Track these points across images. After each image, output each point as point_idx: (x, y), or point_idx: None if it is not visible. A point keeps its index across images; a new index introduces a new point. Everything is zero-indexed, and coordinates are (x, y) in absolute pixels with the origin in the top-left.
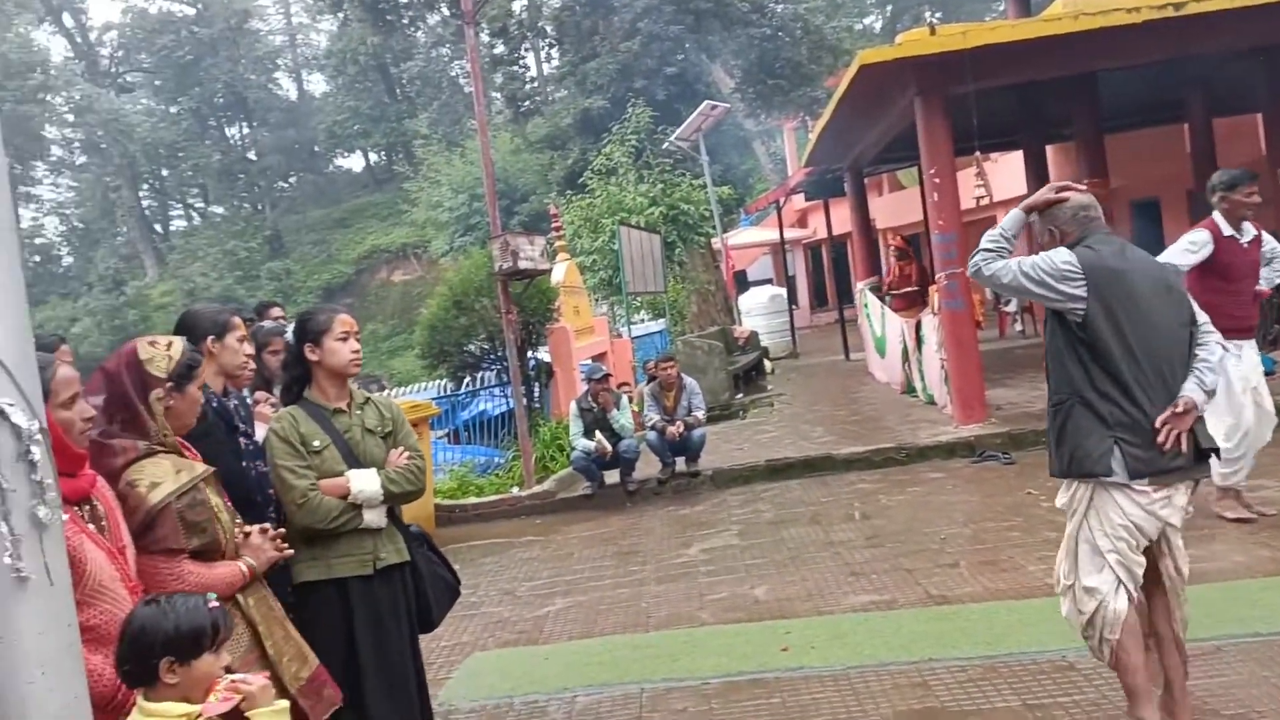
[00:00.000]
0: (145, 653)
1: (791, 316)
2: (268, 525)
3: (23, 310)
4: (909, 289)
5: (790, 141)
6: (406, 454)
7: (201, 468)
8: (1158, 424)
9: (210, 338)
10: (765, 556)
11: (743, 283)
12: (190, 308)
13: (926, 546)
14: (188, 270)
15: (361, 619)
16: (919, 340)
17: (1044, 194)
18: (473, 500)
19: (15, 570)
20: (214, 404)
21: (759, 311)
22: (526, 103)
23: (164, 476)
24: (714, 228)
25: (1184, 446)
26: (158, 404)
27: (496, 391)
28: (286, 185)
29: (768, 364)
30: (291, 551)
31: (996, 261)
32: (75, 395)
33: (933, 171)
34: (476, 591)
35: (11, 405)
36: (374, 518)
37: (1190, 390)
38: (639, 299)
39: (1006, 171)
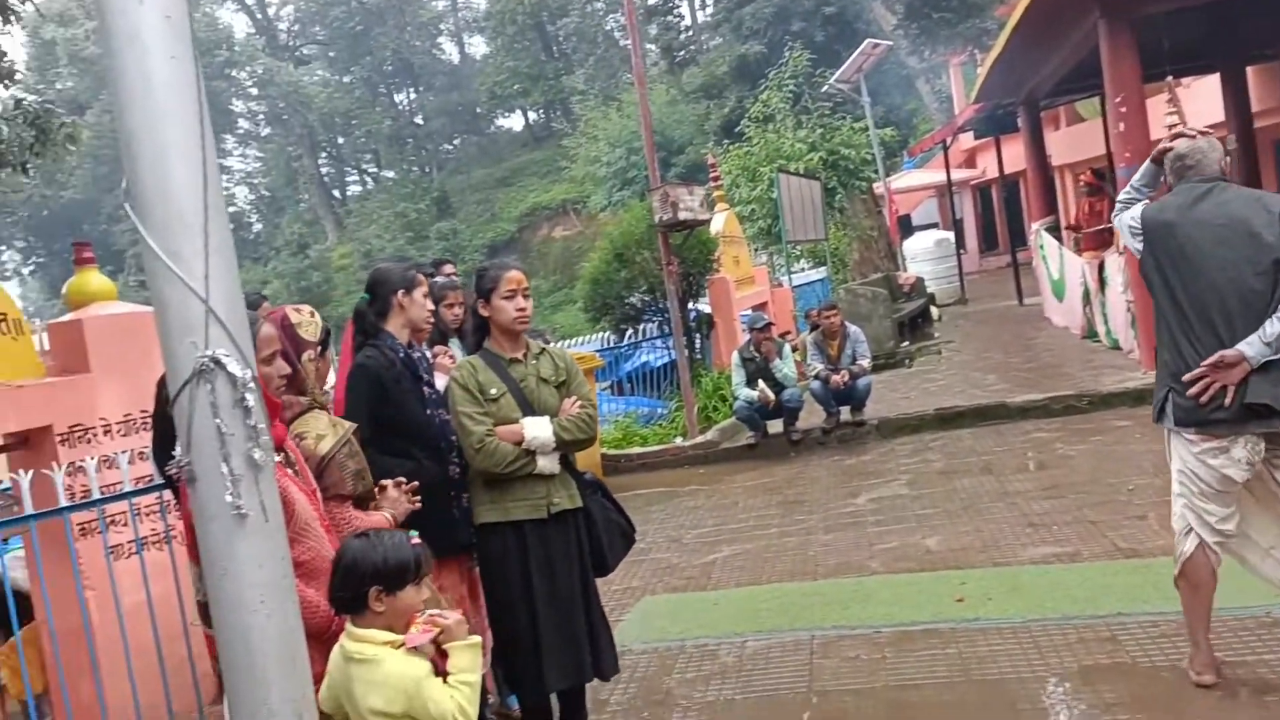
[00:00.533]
0: (356, 581)
1: (959, 261)
2: (401, 479)
3: (234, 271)
4: (1101, 227)
5: (957, 78)
6: (579, 403)
7: (348, 424)
8: (1186, 378)
9: (400, 292)
10: (936, 507)
11: (907, 228)
12: (379, 265)
13: (1112, 498)
14: (364, 233)
15: (536, 561)
16: (1102, 282)
17: (1163, 143)
18: (637, 450)
19: (235, 508)
20: (401, 355)
21: (924, 257)
22: (681, 53)
23: (326, 430)
24: (876, 172)
25: (1228, 400)
26: (309, 364)
27: (658, 343)
28: (451, 147)
29: (934, 311)
30: (419, 503)
31: (1124, 213)
32: (275, 352)
33: (1119, 100)
34: (645, 538)
35: (228, 356)
36: (547, 464)
37: (1244, 344)
38: (799, 247)
39: (1203, 97)
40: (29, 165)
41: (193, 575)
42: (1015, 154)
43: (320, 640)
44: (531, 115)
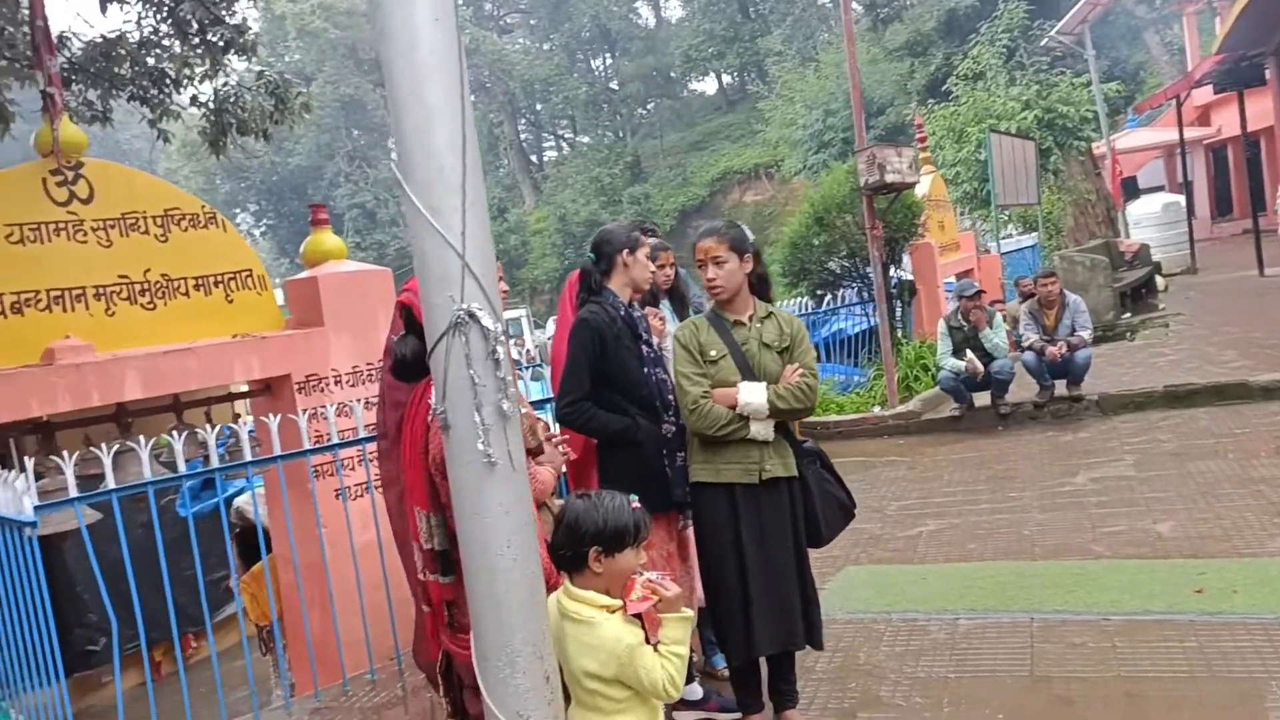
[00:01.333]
0: (577, 541)
1: (1189, 227)
2: (555, 434)
3: (488, 228)
4: None
5: (1191, 28)
6: (800, 370)
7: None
8: None
9: (624, 251)
10: (1169, 490)
11: (1131, 190)
12: (604, 225)
13: None
14: (559, 198)
15: (746, 525)
16: None
17: None
18: (834, 418)
19: (486, 456)
20: (622, 313)
21: (1150, 222)
22: (885, 9)
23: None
24: (1096, 131)
25: None
26: None
27: (857, 310)
28: (645, 112)
29: (1160, 280)
30: (573, 455)
31: None
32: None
33: None
34: None
35: (481, 310)
36: (760, 430)
37: None
38: (1008, 212)
39: None
40: (268, 132)
41: (425, 524)
42: (1261, 109)
43: None
44: (725, 78)
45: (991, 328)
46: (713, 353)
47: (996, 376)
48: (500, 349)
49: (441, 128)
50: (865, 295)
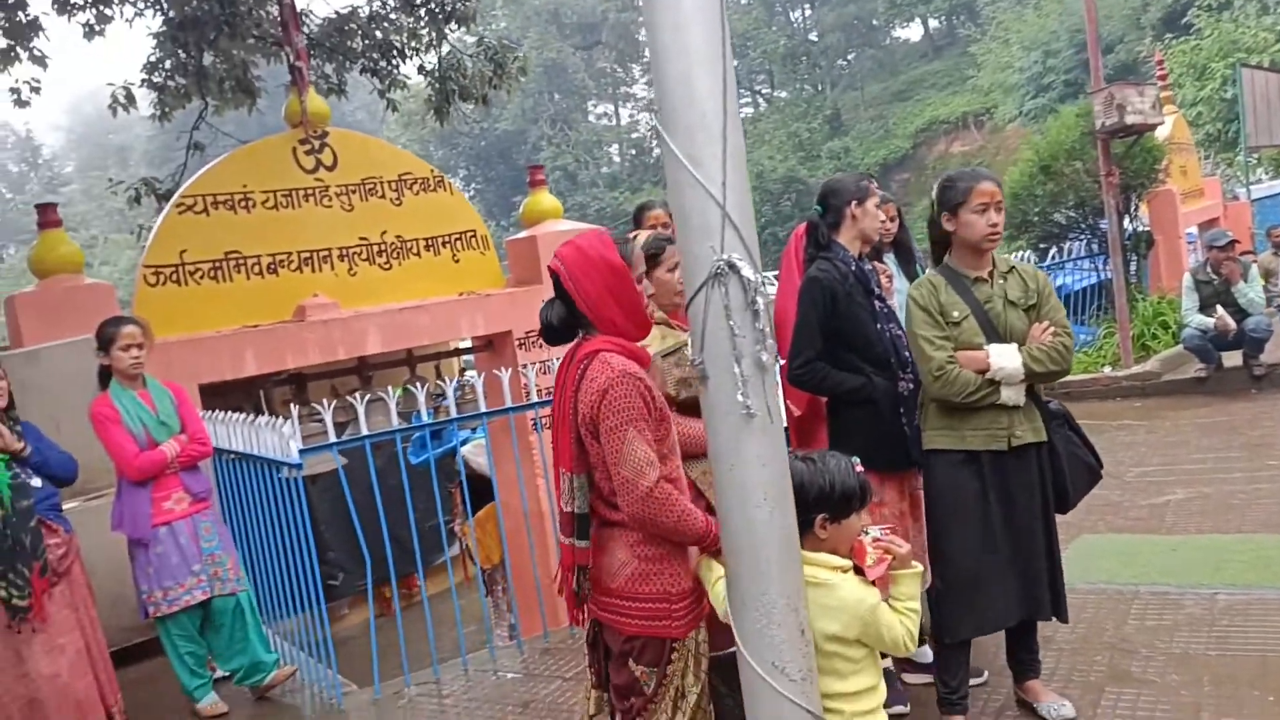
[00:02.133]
0: (803, 506)
1: None
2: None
3: (746, 178)
4: None
5: None
6: (1052, 329)
7: (686, 336)
8: None
9: (853, 202)
10: None
11: None
12: (832, 176)
13: None
14: (755, 154)
15: (993, 494)
16: None
17: None
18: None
19: (745, 408)
20: (853, 268)
21: None
22: None
23: (650, 341)
24: None
25: None
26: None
27: (1085, 264)
28: (845, 63)
29: None
30: None
31: None
32: (643, 272)
33: None
34: None
35: (741, 260)
36: (1012, 395)
37: None
38: (1258, 154)
39: None
40: (487, 97)
41: (567, 486)
42: None
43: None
44: (932, 23)
45: (1246, 281)
46: (955, 314)
47: (1251, 334)
48: (760, 299)
49: (703, 77)
50: (1095, 248)
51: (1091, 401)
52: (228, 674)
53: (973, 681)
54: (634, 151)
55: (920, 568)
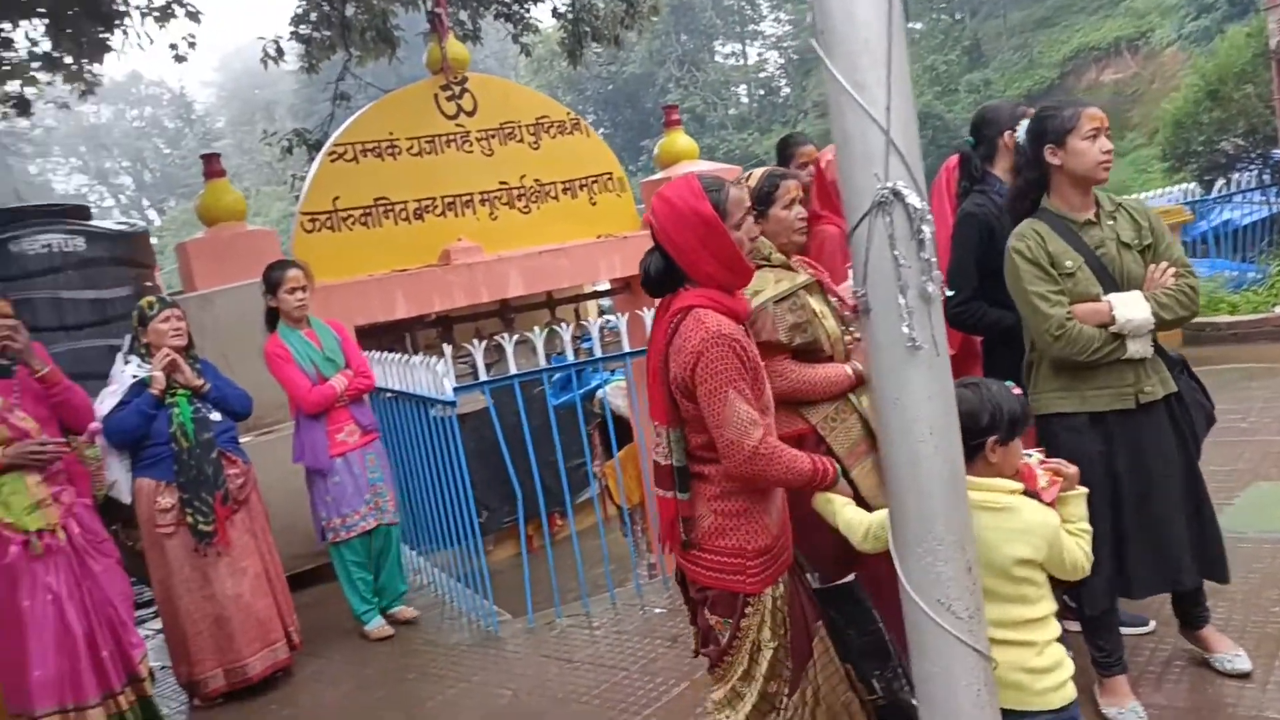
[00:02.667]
0: (975, 431)
1: None
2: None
3: (912, 103)
4: None
5: None
6: (1173, 270)
7: (803, 279)
8: None
9: (1008, 132)
10: None
11: None
12: (986, 104)
13: None
14: None
15: (1121, 454)
16: None
17: None
18: (1225, 318)
19: (910, 340)
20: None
21: None
22: None
23: (764, 285)
24: None
25: None
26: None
27: (1255, 196)
28: None
29: None
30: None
31: None
32: (744, 216)
33: None
34: (1247, 418)
35: (907, 188)
36: (1139, 348)
37: None
38: None
39: None
40: (619, 38)
41: (664, 440)
42: None
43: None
44: None
45: None
46: (1068, 263)
47: None
48: (927, 228)
49: None
50: (1266, 179)
51: (1261, 343)
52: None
53: (1137, 630)
54: (762, 91)
55: (1085, 491)
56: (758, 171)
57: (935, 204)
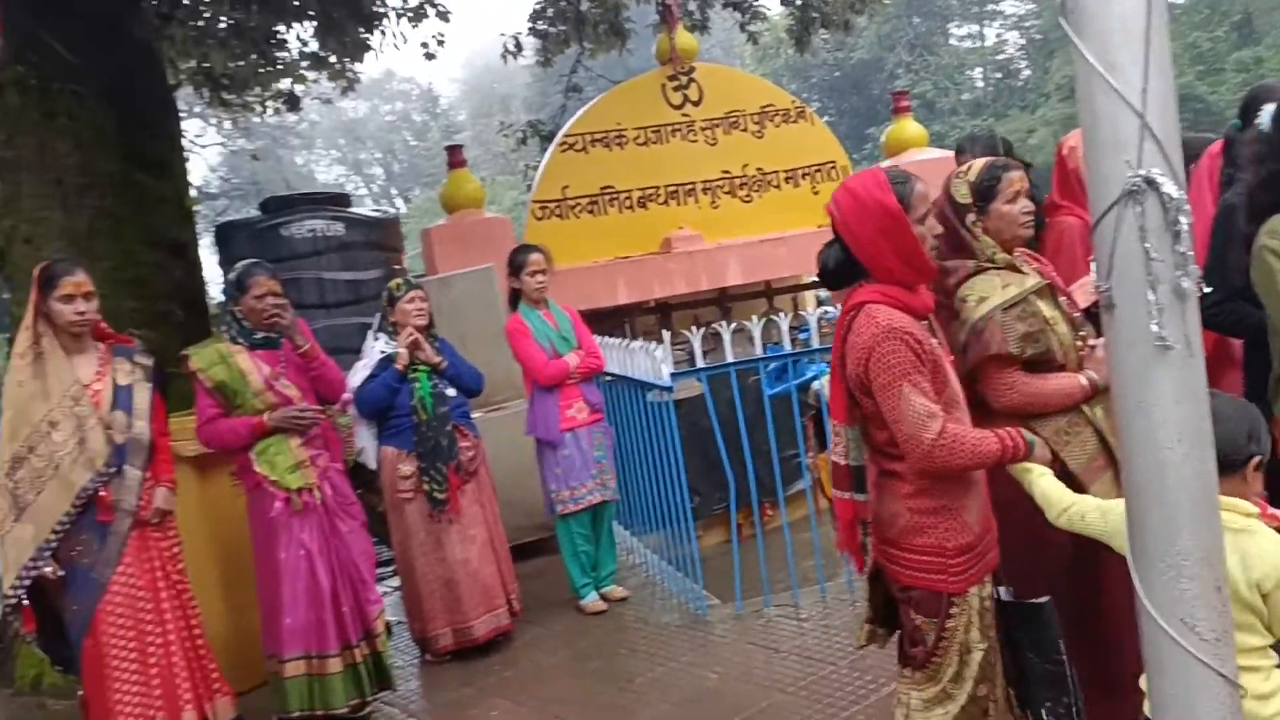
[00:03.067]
0: (1232, 447)
1: None
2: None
3: (1172, 86)
4: None
5: None
6: None
7: (1033, 282)
8: None
9: None
10: None
11: None
12: (1258, 84)
13: None
14: None
15: None
16: None
17: None
18: None
19: (1159, 339)
20: None
21: None
22: None
23: (990, 291)
24: None
25: None
26: (975, 227)
27: None
28: None
29: None
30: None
31: None
32: (928, 211)
33: None
34: None
35: (1162, 176)
36: None
37: None
38: None
39: None
40: (849, 23)
41: (842, 439)
42: None
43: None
44: None
45: None
46: None
47: None
48: (1185, 219)
49: None
50: None
51: None
52: None
53: None
54: (999, 75)
55: None
56: (978, 163)
57: (1194, 194)
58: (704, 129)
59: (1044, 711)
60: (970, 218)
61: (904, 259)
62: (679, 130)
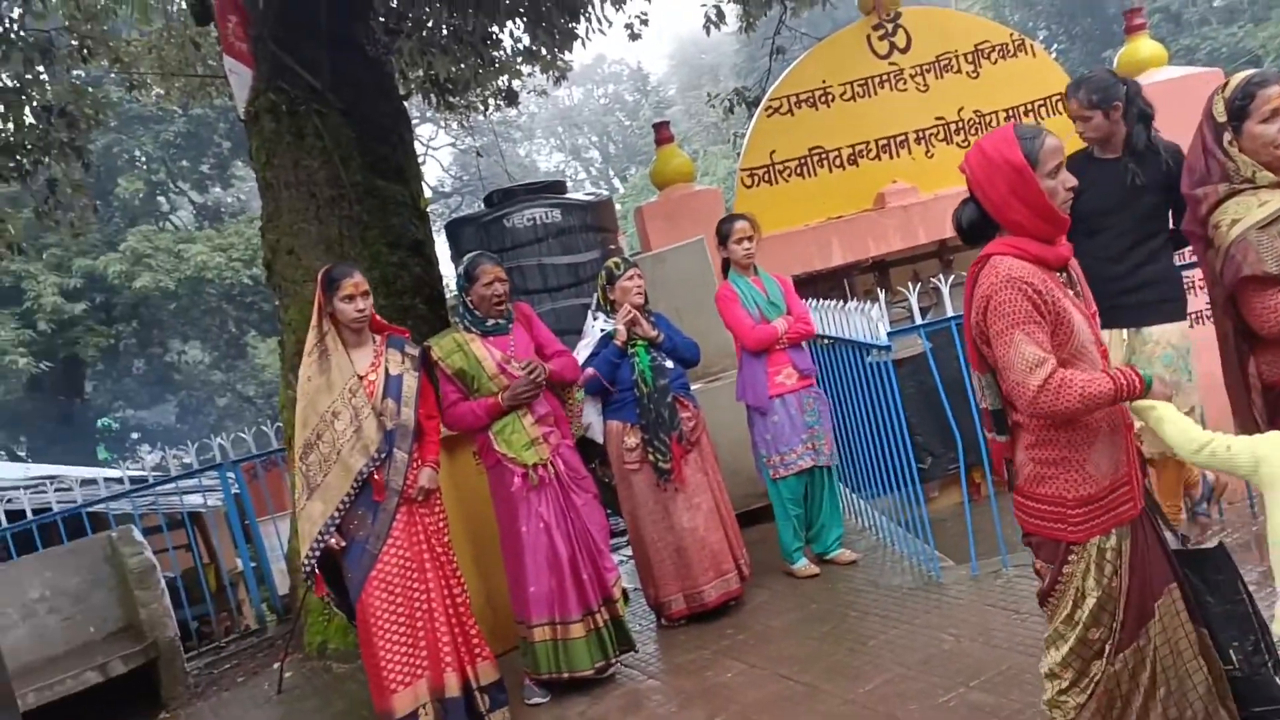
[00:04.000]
0: None
1: None
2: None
3: None
4: None
5: None
6: None
7: None
8: None
9: None
10: None
11: None
12: None
13: None
14: None
15: None
16: None
17: None
18: None
19: None
20: None
21: None
22: None
23: (1244, 212)
24: None
25: None
26: (1230, 147)
27: None
28: None
29: None
30: None
31: None
32: (1059, 165)
33: None
34: None
35: None
36: None
37: None
38: None
39: None
40: None
41: (978, 384)
42: None
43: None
44: None
45: None
46: None
47: None
48: None
49: None
50: None
51: None
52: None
53: None
54: None
55: None
56: (1236, 77)
57: None
58: (913, 76)
59: (1231, 652)
60: (1226, 136)
61: (1034, 213)
62: (887, 80)
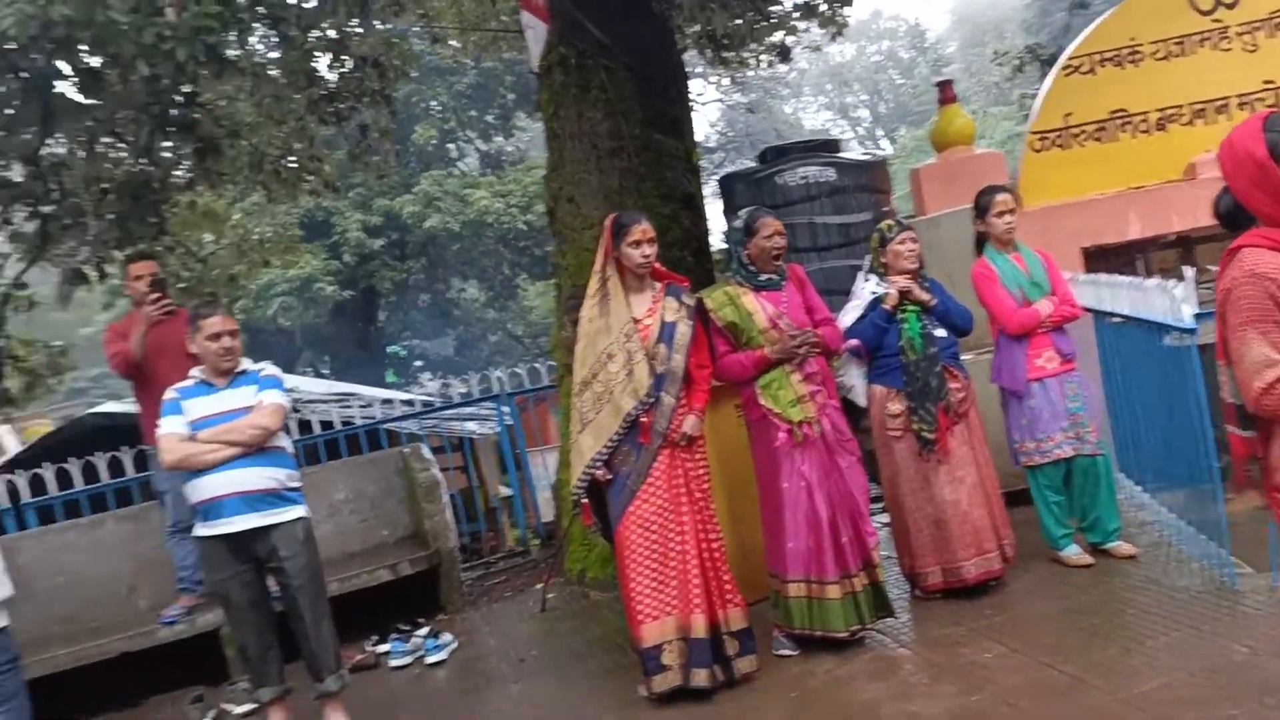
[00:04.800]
0: None
1: None
2: None
3: None
4: None
5: None
6: None
7: None
8: None
9: None
10: None
11: None
12: None
13: None
14: None
15: None
16: None
17: None
18: None
19: None
20: None
21: None
22: None
23: None
24: None
25: None
26: None
27: None
28: None
29: None
30: None
31: None
32: None
33: None
34: None
35: None
36: None
37: None
38: None
39: None
40: None
41: (1223, 376)
42: None
43: None
44: None
45: None
46: None
47: None
48: None
49: None
50: None
51: None
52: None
53: None
54: None
55: None
56: None
57: None
58: (1241, 34)
59: None
60: None
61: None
62: (1209, 39)
